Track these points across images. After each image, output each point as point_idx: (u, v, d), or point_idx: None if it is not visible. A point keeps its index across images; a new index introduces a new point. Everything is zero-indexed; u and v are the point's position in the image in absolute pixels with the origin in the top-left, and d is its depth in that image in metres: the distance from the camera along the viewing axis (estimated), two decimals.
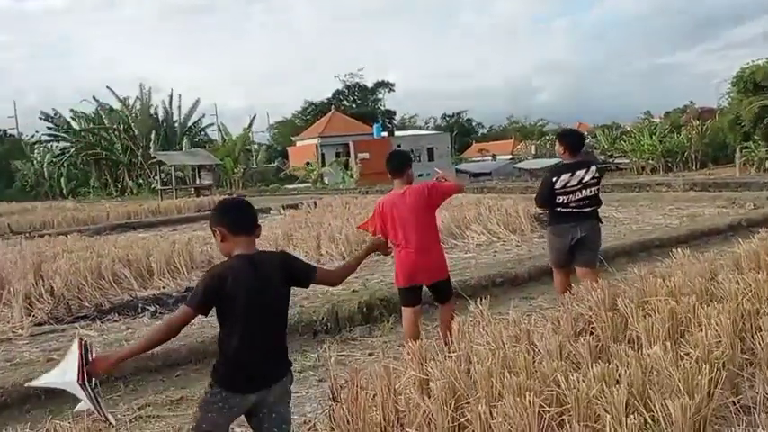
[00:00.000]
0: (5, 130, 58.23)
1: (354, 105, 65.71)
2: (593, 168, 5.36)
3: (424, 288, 4.80)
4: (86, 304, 7.47)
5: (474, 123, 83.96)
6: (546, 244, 5.90)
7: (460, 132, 72.00)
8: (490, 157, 65.99)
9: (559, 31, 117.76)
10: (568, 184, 5.22)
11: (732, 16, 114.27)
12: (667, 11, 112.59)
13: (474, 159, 66.94)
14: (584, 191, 5.23)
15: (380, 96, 69.99)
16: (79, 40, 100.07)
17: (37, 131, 53.32)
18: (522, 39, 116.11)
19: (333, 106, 55.07)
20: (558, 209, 5.31)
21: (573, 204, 5.25)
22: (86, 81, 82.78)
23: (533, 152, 61.92)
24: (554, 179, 5.27)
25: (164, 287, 8.34)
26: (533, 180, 27.07)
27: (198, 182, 34.76)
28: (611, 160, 56.70)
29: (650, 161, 46.57)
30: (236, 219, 2.69)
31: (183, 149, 40.30)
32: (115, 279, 8.29)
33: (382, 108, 68.47)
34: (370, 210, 14.00)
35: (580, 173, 5.24)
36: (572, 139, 5.50)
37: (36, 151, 51.85)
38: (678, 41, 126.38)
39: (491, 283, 6.97)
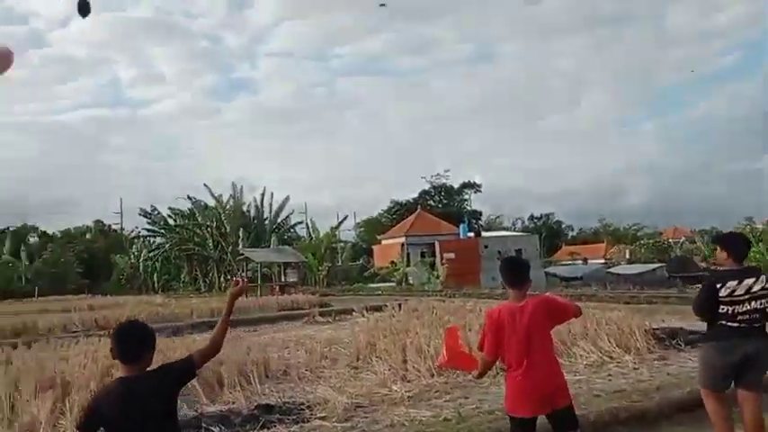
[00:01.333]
0: (110, 225, 61.54)
1: (440, 205, 65.68)
2: (763, 278, 4.55)
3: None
4: None
5: (563, 225, 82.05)
6: (699, 362, 4.90)
7: (549, 234, 70.26)
8: (581, 261, 63.55)
9: (650, 133, 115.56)
10: (735, 293, 4.49)
11: None
12: (762, 113, 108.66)
13: (564, 262, 64.61)
14: (752, 302, 4.49)
15: (466, 197, 69.93)
16: (183, 143, 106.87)
17: (137, 227, 56.01)
18: (611, 140, 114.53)
19: (419, 206, 55.08)
20: (724, 321, 4.54)
21: (741, 317, 4.50)
22: (187, 180, 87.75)
23: (627, 257, 59.17)
24: (718, 285, 4.53)
25: (233, 402, 7.54)
26: (635, 288, 25.15)
27: (283, 279, 34.79)
28: (713, 267, 53.29)
29: None
30: (118, 348, 3.03)
31: (272, 246, 40.82)
32: (184, 389, 7.58)
33: (468, 208, 68.13)
34: (459, 316, 12.95)
35: (748, 281, 4.51)
36: (737, 244, 4.80)
37: (134, 246, 54.11)
38: None
39: (614, 419, 5.75)
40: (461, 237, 46.00)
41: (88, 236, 59.11)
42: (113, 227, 61.66)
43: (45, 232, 58.68)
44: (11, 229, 55.28)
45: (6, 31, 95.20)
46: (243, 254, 36.96)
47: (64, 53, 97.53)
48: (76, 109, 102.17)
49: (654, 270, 50.58)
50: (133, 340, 3.04)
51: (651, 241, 62.69)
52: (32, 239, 56.60)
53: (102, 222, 61.56)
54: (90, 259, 53.31)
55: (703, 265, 55.32)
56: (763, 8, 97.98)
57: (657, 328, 10.05)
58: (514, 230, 67.44)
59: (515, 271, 4.14)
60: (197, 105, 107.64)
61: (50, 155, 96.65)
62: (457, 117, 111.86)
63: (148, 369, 3.06)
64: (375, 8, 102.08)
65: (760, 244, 43.59)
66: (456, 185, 68.50)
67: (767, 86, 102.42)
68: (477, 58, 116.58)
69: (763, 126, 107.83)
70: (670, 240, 62.71)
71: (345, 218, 52.69)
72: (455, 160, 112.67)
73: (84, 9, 4.97)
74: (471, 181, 69.21)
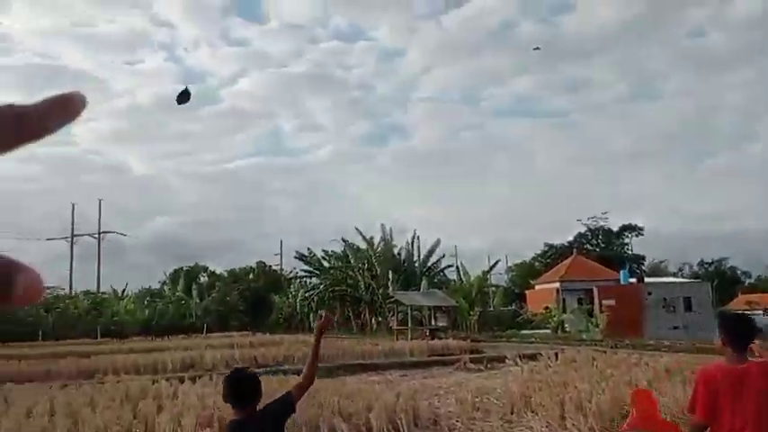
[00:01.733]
0: (270, 266, 65.03)
1: (598, 249, 62.54)
2: None
3: None
4: None
5: (738, 272, 74.76)
6: None
7: (722, 281, 64.23)
8: (761, 312, 57.37)
9: None
10: None
11: None
12: None
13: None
14: None
15: (627, 240, 66.14)
16: (338, 187, 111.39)
17: (294, 268, 58.64)
18: None
19: (574, 249, 52.78)
20: None
21: None
22: (341, 222, 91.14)
23: None
24: None
25: None
26: None
27: (433, 323, 34.51)
28: None
29: None
30: (230, 394, 3.37)
31: (422, 289, 40.78)
32: None
33: (629, 252, 64.28)
34: (624, 371, 11.82)
35: None
36: None
37: (292, 286, 56.57)
38: None
39: None
40: (622, 283, 43.28)
41: (251, 276, 62.69)
42: (274, 267, 65.07)
43: (213, 272, 63.22)
44: (185, 268, 60.17)
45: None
46: (393, 296, 37.21)
47: (234, 107, 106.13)
48: (244, 158, 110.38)
49: None
50: (244, 387, 3.41)
51: None
52: (203, 278, 61.18)
53: (264, 263, 65.16)
54: (252, 298, 56.39)
55: None
56: None
57: None
58: (681, 277, 62.57)
59: (743, 330, 3.63)
60: (351, 151, 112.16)
61: (221, 200, 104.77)
62: (614, 157, 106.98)
63: (256, 410, 3.42)
64: (525, 49, 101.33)
65: None
66: (615, 228, 65.12)
67: None
68: (635, 95, 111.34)
69: None
70: None
71: (497, 262, 51.74)
72: (613, 202, 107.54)
73: (183, 97, 4.94)
74: (632, 224, 65.50)
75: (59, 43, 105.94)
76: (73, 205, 64.58)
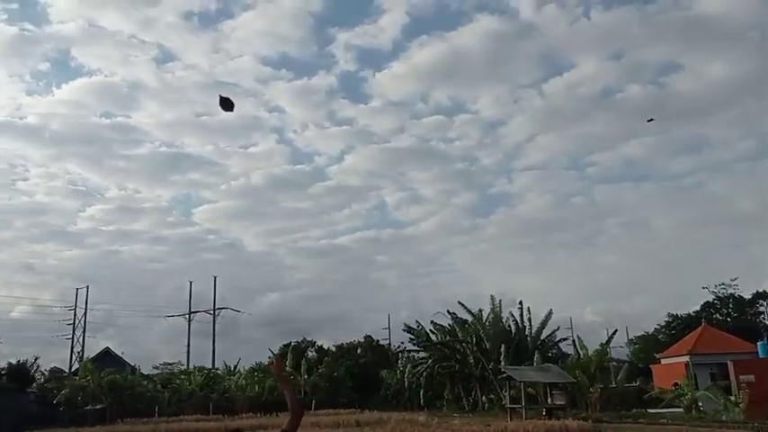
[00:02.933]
0: (378, 340, 64.31)
1: (729, 319, 57.50)
2: None
3: None
4: None
5: None
6: None
7: None
8: None
9: None
10: None
11: None
12: None
13: None
14: None
15: (761, 309, 60.44)
16: (444, 259, 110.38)
17: (402, 342, 57.57)
18: None
19: (702, 320, 48.63)
20: None
21: None
22: (448, 295, 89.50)
23: None
24: None
25: None
26: None
27: (549, 401, 32.23)
28: None
29: None
30: None
31: (535, 364, 38.48)
32: None
33: (765, 322, 58.58)
34: None
35: None
36: None
37: (399, 361, 55.39)
38: None
39: None
40: (761, 356, 39.05)
41: (359, 351, 62.17)
42: (382, 342, 64.27)
43: (321, 347, 63.21)
44: (293, 343, 60.51)
45: (296, 169, 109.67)
46: (504, 372, 35.29)
47: (340, 184, 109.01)
48: (351, 232, 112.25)
49: None
50: None
51: None
52: (311, 354, 61.24)
53: (371, 337, 64.56)
54: (360, 373, 55.61)
55: None
56: None
57: None
58: None
59: None
60: (456, 222, 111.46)
61: (329, 275, 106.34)
62: (741, 219, 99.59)
63: None
64: (631, 113, 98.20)
65: None
66: (747, 296, 59.77)
67: None
68: (760, 154, 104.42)
69: None
70: None
71: (615, 332, 48.29)
72: (743, 268, 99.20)
73: (227, 105, 4.99)
74: (766, 291, 59.86)
75: (182, 132, 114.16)
76: (190, 283, 67.45)
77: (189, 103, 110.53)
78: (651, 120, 67.13)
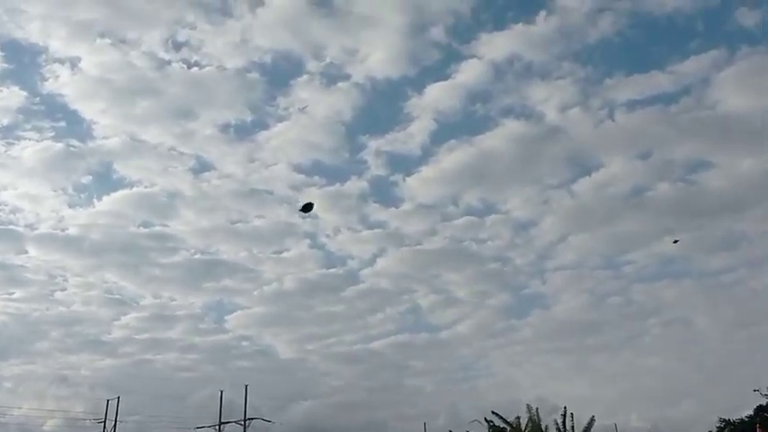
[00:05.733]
0: None
1: None
2: None
3: None
4: None
5: None
6: None
7: None
8: None
9: None
10: None
11: None
12: None
13: None
14: None
15: None
16: (479, 363, 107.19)
17: None
18: None
19: (757, 425, 45.89)
20: None
21: None
22: (484, 400, 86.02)
23: None
24: None
25: None
26: None
27: None
28: None
29: None
30: None
31: None
32: None
33: None
34: None
35: None
36: None
37: None
38: None
39: None
40: None
41: None
42: None
43: None
44: None
45: (330, 273, 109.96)
46: None
47: (373, 287, 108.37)
48: (384, 337, 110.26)
49: None
50: None
51: None
52: None
53: None
54: None
55: None
56: None
57: None
58: None
59: None
60: (492, 325, 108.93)
61: (362, 381, 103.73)
62: None
63: None
64: (664, 210, 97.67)
65: None
66: None
67: None
68: None
69: None
70: None
71: None
72: None
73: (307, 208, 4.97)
74: None
75: (217, 239, 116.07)
76: (221, 392, 66.27)
77: (224, 211, 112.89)
78: (676, 241, 70.99)
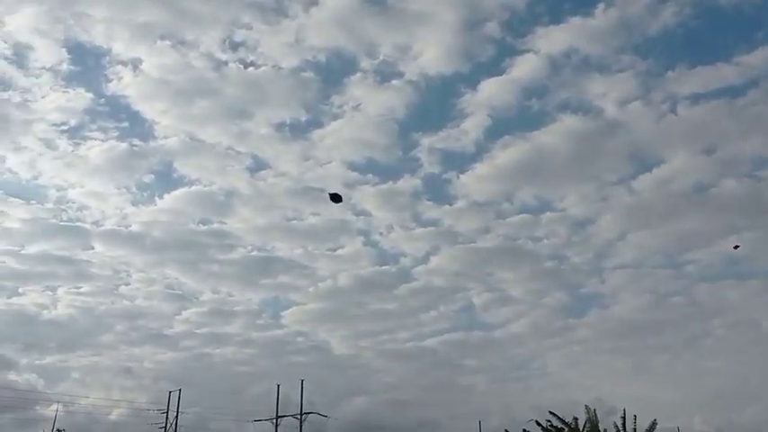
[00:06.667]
0: None
1: None
2: None
3: None
4: None
5: None
6: None
7: None
8: None
9: None
10: None
11: None
12: None
13: None
14: None
15: None
16: (535, 363, 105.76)
17: None
18: None
19: None
20: None
21: None
22: (539, 400, 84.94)
23: None
24: None
25: None
26: None
27: None
28: None
29: None
30: None
31: None
32: None
33: None
34: None
35: None
36: None
37: None
38: None
39: None
40: None
41: None
42: None
43: None
44: None
45: (383, 270, 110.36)
46: None
47: (426, 285, 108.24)
48: (437, 335, 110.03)
49: None
50: None
51: None
52: None
53: None
54: None
55: None
56: None
57: None
58: None
59: None
60: (547, 324, 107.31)
61: (415, 379, 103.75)
62: None
63: None
64: (729, 207, 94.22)
65: None
66: None
67: None
68: None
69: None
70: None
71: None
72: None
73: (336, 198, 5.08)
74: None
75: (273, 237, 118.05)
76: (278, 386, 67.44)
77: (280, 209, 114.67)
78: (737, 246, 70.53)
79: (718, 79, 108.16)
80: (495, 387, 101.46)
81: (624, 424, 44.28)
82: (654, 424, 43.95)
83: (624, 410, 44.79)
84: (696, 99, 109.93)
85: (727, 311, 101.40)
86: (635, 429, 43.77)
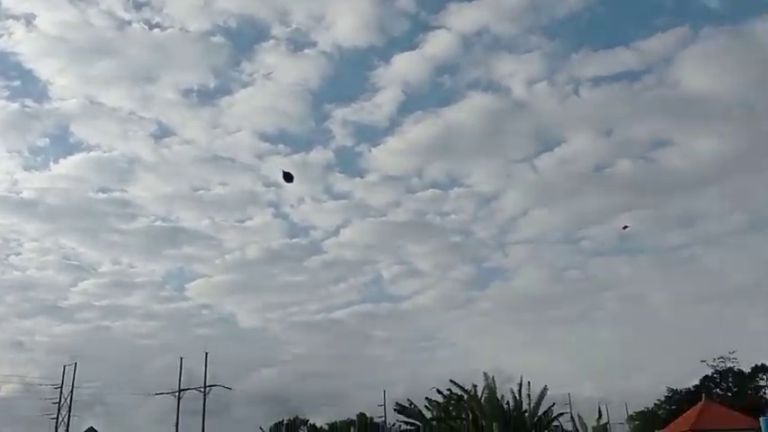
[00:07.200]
0: (372, 418, 62.67)
1: (729, 394, 56.56)
2: None
3: None
4: None
5: None
6: None
7: None
8: None
9: None
10: None
11: None
12: None
13: None
14: None
15: (762, 383, 59.48)
16: (440, 334, 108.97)
17: (397, 420, 56.00)
18: None
19: (702, 394, 47.83)
20: None
21: None
22: (443, 370, 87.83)
23: None
24: None
25: None
26: None
27: None
28: None
29: None
30: None
31: None
32: None
33: (766, 397, 57.55)
34: None
35: None
36: None
37: None
38: None
39: None
40: (764, 431, 38.24)
41: (352, 429, 60.47)
42: (376, 420, 62.53)
43: (314, 425, 61.54)
44: (285, 421, 58.95)
45: (292, 243, 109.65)
46: None
47: (336, 258, 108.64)
48: (346, 306, 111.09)
49: None
50: None
51: None
52: None
53: (365, 415, 62.98)
54: None
55: None
56: None
57: None
58: None
59: None
60: (453, 296, 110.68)
61: (323, 350, 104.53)
62: (736, 293, 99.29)
63: None
64: (624, 187, 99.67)
65: None
66: (746, 369, 58.91)
67: None
68: (752, 227, 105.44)
69: None
70: None
71: (605, 407, 47.27)
72: (741, 341, 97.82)
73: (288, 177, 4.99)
74: (765, 364, 58.99)
75: (178, 207, 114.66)
76: (181, 359, 65.94)
77: (186, 178, 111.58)
78: (626, 227, 74.61)
79: (618, 63, 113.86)
80: (402, 357, 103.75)
81: (520, 390, 46.55)
82: (545, 390, 46.36)
83: (521, 378, 47.09)
84: (597, 82, 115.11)
85: (619, 285, 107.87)
86: (529, 395, 46.16)
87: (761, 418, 40.16)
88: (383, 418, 61.83)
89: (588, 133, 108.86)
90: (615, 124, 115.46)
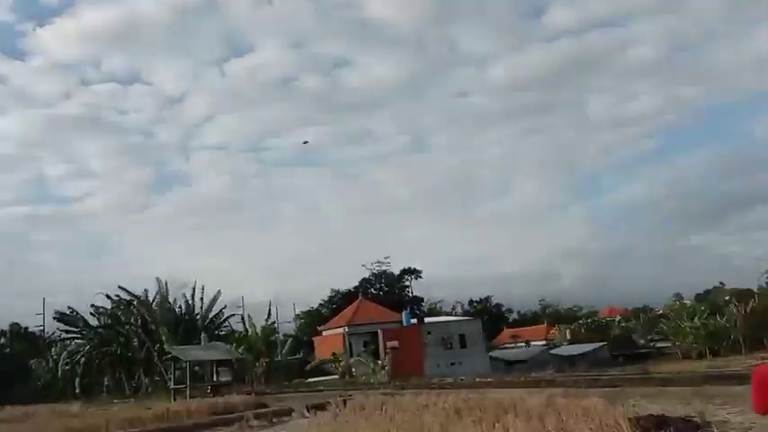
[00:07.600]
0: (27, 327, 57.15)
1: (382, 293, 64.34)
2: None
3: None
4: None
5: (503, 308, 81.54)
6: None
7: (490, 318, 69.46)
8: (524, 344, 62.82)
9: (576, 219, 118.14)
10: None
11: (747, 200, 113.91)
12: (680, 195, 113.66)
13: (507, 345, 63.71)
14: None
15: (407, 283, 68.90)
16: (113, 239, 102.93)
17: (58, 329, 51.96)
18: (541, 226, 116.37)
19: (360, 294, 53.58)
20: None
21: None
22: (116, 277, 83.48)
23: (568, 337, 58.84)
24: None
25: None
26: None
27: (216, 379, 32.17)
28: (651, 344, 53.41)
29: (694, 345, 43.84)
30: None
31: (202, 343, 38.05)
32: None
33: (410, 295, 66.99)
34: (414, 415, 11.38)
35: None
36: None
37: (54, 349, 50.05)
38: (694, 225, 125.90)
39: None
40: (404, 324, 44.53)
41: (2, 340, 54.67)
42: (32, 329, 57.14)
43: None
44: None
45: None
46: (170, 353, 34.21)
47: None
48: (3, 207, 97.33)
49: (596, 349, 50.33)
50: None
51: (589, 320, 62.98)
52: None
53: (18, 324, 57.17)
54: (4, 365, 48.86)
55: (641, 342, 55.65)
56: (672, 96, 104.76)
57: (641, 417, 8.86)
58: (455, 315, 66.23)
59: None
60: (128, 200, 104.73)
61: None
62: (396, 206, 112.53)
63: None
64: (309, 100, 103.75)
65: (694, 319, 44.40)
66: (396, 272, 67.55)
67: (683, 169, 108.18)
68: (413, 148, 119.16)
69: (684, 207, 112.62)
70: (606, 319, 63.29)
71: (275, 306, 50.01)
72: (395, 249, 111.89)
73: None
74: (411, 267, 68.34)
75: None
76: None
77: None
78: (306, 142, 77.80)
79: None
80: (68, 264, 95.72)
81: (193, 295, 46.69)
82: (218, 293, 47.26)
83: (195, 282, 47.14)
84: None
85: (296, 195, 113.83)
86: (202, 299, 46.61)
87: (402, 312, 47.09)
88: (42, 327, 56.83)
89: (279, 44, 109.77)
90: (305, 38, 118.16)
